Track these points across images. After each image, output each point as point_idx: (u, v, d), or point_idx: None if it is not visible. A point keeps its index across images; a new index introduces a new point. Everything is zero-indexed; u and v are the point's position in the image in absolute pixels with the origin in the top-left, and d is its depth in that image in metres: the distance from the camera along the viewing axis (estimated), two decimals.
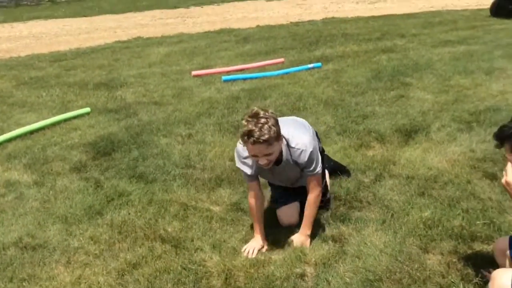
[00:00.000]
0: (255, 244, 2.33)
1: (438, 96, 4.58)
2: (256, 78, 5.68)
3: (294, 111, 4.38)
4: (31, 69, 6.82)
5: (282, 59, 6.51)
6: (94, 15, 10.93)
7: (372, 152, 3.42)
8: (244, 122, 2.15)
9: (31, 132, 4.13)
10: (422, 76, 5.29)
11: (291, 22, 10.09)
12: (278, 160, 2.31)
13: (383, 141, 3.60)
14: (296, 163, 2.33)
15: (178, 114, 4.44)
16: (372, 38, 7.83)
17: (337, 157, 3.26)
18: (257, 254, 2.29)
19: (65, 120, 4.38)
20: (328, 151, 3.45)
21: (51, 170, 3.41)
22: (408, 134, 3.70)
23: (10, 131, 4.16)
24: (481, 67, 5.49)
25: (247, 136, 2.09)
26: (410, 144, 3.52)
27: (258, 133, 2.07)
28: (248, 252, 2.29)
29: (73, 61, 7.00)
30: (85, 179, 3.21)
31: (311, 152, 2.31)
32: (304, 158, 2.30)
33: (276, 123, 2.15)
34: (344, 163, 3.18)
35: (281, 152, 2.29)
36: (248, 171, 2.35)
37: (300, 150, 2.30)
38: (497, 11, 9.29)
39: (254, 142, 2.09)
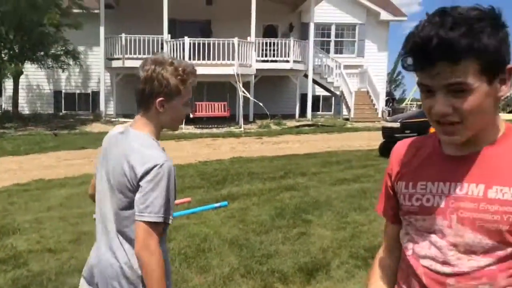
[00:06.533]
0: None
1: (336, 232, 4.80)
2: None
3: (199, 253, 4.32)
4: None
5: (189, 199, 6.55)
6: None
7: None
8: (172, 62, 1.69)
9: None
10: (322, 213, 5.56)
11: (199, 161, 10.38)
12: None
13: (286, 282, 3.61)
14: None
15: (74, 262, 4.17)
16: (276, 176, 8.23)
17: None
18: None
19: None
20: None
21: None
22: (310, 273, 3.76)
23: None
24: (374, 203, 5.91)
25: (191, 70, 1.71)
26: (312, 284, 3.56)
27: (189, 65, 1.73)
28: None
29: None
30: None
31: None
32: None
33: None
34: None
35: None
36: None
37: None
38: (385, 151, 10.34)
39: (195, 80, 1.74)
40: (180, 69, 1.66)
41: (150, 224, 1.60)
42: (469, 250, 1.04)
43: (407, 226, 1.17)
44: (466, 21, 0.94)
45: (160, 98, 1.65)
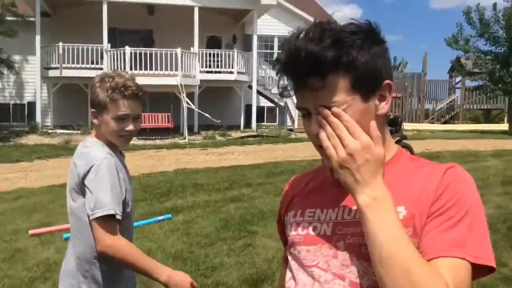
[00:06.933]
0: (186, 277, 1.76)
1: (280, 243, 4.82)
2: None
3: None
4: None
5: None
6: None
7: None
8: (106, 79, 1.76)
9: None
10: (266, 224, 5.58)
11: (142, 174, 10.15)
12: None
13: None
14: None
15: (7, 281, 3.94)
16: (221, 188, 8.19)
17: None
18: None
19: None
20: None
21: None
22: (255, 284, 3.76)
23: None
24: None
25: (123, 87, 1.73)
26: None
27: (133, 83, 1.76)
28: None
29: None
30: None
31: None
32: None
33: None
34: None
35: None
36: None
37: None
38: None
39: (131, 95, 1.74)
40: (108, 84, 1.74)
41: (101, 220, 1.66)
42: (355, 283, 0.91)
43: (292, 262, 1.03)
44: (336, 34, 0.87)
45: (92, 109, 1.80)
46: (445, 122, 27.78)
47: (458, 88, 29.04)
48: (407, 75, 28.14)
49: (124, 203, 1.77)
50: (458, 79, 29.10)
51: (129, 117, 1.77)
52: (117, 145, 1.83)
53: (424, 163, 0.99)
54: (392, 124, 11.28)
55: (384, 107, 0.94)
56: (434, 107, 29.09)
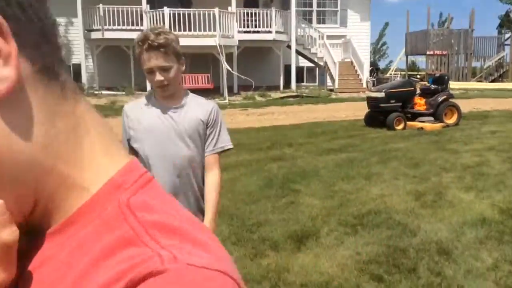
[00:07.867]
0: None
1: (325, 201, 4.87)
2: None
3: None
4: None
5: None
6: None
7: (267, 260, 3.47)
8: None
9: None
10: (309, 183, 5.62)
11: None
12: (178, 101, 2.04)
13: (277, 249, 3.68)
14: (201, 110, 2.03)
15: None
16: (263, 147, 8.26)
17: None
18: None
19: None
20: None
21: None
22: (300, 240, 3.83)
23: None
24: (361, 172, 6.00)
25: (142, 40, 1.85)
26: (302, 250, 3.63)
27: (153, 36, 1.84)
28: None
29: None
30: None
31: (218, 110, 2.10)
32: (211, 106, 2.07)
33: (177, 41, 1.94)
34: (241, 274, 3.17)
35: (181, 93, 2.06)
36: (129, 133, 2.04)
37: (208, 102, 2.12)
38: (370, 121, 10.41)
39: (149, 47, 1.84)
40: (135, 40, 1.90)
41: None
42: None
43: None
44: None
45: None
46: (493, 81, 26.65)
47: (508, 45, 27.63)
48: (453, 31, 26.95)
49: (129, 141, 2.03)
50: (507, 35, 27.65)
51: (153, 70, 1.88)
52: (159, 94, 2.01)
53: (131, 239, 0.39)
54: (438, 83, 10.97)
55: (7, 75, 0.37)
56: (482, 65, 27.90)
